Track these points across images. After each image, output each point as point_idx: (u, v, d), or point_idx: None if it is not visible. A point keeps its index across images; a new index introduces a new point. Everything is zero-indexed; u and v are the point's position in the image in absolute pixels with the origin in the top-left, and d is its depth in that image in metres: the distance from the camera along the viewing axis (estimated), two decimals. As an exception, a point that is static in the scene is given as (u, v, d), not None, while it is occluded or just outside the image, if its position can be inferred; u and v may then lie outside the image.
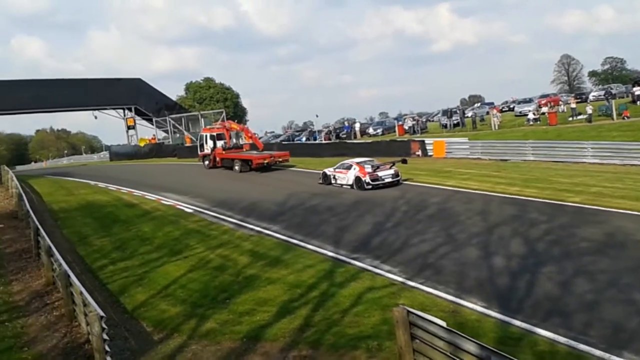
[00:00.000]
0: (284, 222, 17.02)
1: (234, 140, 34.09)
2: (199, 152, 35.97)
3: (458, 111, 46.35)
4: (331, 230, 15.59)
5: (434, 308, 9.15)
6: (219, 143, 33.57)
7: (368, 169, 22.28)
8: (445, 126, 43.38)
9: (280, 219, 17.50)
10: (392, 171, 22.22)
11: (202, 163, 35.36)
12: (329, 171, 24.07)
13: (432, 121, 56.17)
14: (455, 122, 42.72)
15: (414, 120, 47.01)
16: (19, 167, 58.04)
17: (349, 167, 23.05)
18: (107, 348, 8.43)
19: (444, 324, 6.25)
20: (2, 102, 49.39)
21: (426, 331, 6.42)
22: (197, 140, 38.57)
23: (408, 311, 6.66)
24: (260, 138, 53.95)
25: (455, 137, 33.46)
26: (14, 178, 26.49)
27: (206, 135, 35.12)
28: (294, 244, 14.42)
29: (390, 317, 7.58)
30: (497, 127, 38.10)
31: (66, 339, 10.03)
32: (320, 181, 24.28)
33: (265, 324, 9.51)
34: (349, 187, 22.54)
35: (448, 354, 6.06)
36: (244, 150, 33.43)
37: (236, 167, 31.08)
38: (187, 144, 49.16)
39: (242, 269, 12.82)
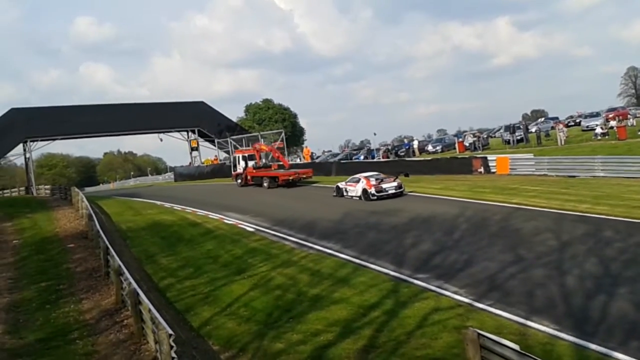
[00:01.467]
0: (343, 241, 16.96)
1: (263, 160, 37.43)
2: (232, 172, 39.92)
3: (521, 126, 44.95)
4: (392, 249, 15.39)
5: (503, 330, 8.82)
6: (250, 163, 37.18)
7: (373, 181, 24.83)
8: (508, 142, 42.20)
9: (339, 237, 17.45)
10: (395, 183, 24.80)
11: (235, 182, 38.72)
12: (341, 185, 26.68)
13: (494, 137, 54.89)
14: (518, 137, 41.43)
15: (474, 136, 46.07)
16: (87, 189, 60.80)
17: (357, 181, 25.64)
18: (175, 366, 8.59)
19: (516, 347, 6.02)
20: (72, 126, 52.03)
21: (498, 355, 6.20)
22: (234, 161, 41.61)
23: (479, 334, 6.45)
24: (317, 157, 54.57)
25: (520, 154, 32.47)
26: (84, 199, 27.63)
27: (239, 157, 39.21)
28: (356, 264, 14.29)
29: (459, 340, 7.35)
30: (563, 143, 36.73)
31: (135, 357, 10.27)
32: (334, 194, 26.74)
33: (330, 344, 9.44)
34: (357, 198, 25.05)
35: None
36: (272, 168, 36.30)
37: (265, 184, 33.94)
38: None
39: (305, 288, 12.82)
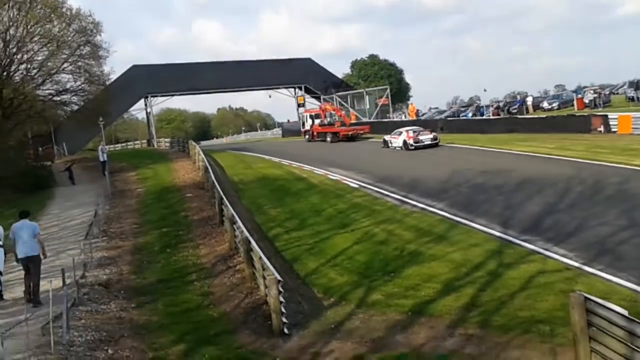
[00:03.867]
0: (447, 199, 16.73)
1: (328, 119, 41.40)
2: (301, 129, 46.44)
3: (648, 82, 40.99)
4: (498, 209, 14.98)
5: (613, 296, 8.44)
6: (317, 121, 41.64)
7: (412, 134, 28.85)
8: (632, 99, 38.67)
9: (444, 196, 17.22)
10: (431, 135, 28.76)
11: (303, 137, 44.48)
12: (387, 137, 31.13)
13: (617, 94, 50.46)
14: (644, 94, 37.92)
15: (595, 93, 42.65)
16: (202, 142, 64.03)
17: (400, 134, 29.79)
18: (283, 310, 9.22)
19: (625, 312, 5.83)
20: (188, 83, 54.66)
21: (604, 319, 6.06)
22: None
23: (585, 297, 6.30)
24: (423, 115, 53.55)
25: (645, 111, 29.74)
26: (200, 152, 29.33)
27: (307, 115, 44.67)
28: (459, 222, 14.14)
29: (565, 303, 7.20)
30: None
31: (247, 300, 11.09)
32: (382, 145, 31.25)
33: (430, 300, 9.60)
34: (400, 148, 29.22)
35: (628, 343, 5.69)
36: (336, 125, 40.06)
37: (328, 139, 38.55)
38: (353, 121, 50.53)
39: (406, 244, 12.97)
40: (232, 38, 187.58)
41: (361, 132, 38.69)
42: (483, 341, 7.91)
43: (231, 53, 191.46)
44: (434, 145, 28.21)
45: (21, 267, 11.04)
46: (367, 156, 30.05)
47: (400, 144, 29.24)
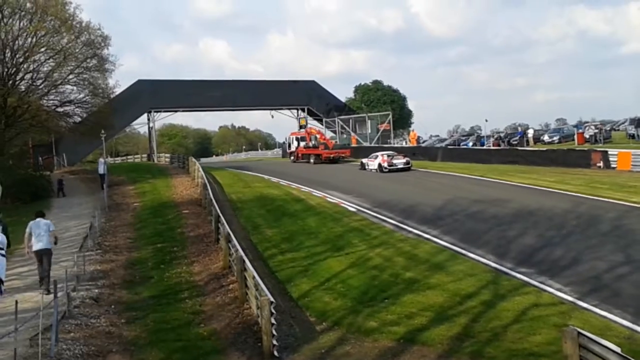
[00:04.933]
0: (442, 227, 16.73)
1: (312, 142, 43.71)
2: (287, 150, 49.86)
3: (648, 120, 41.25)
4: (493, 240, 14.95)
5: (607, 332, 8.40)
6: (302, 143, 44.68)
7: (386, 158, 31.77)
8: (632, 136, 38.95)
9: (439, 223, 17.23)
10: (404, 160, 31.88)
11: (289, 158, 47.31)
12: (364, 160, 34.03)
13: (618, 130, 50.86)
14: (644, 132, 38.15)
15: (596, 128, 42.94)
16: (202, 159, 64.15)
17: (376, 157, 32.68)
18: (274, 332, 9.14)
19: (618, 349, 5.79)
20: (192, 99, 55.04)
21: (598, 355, 6.01)
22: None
23: (579, 332, 6.27)
24: (424, 142, 53.86)
25: (645, 149, 29.86)
26: (200, 169, 29.34)
27: (292, 138, 48.20)
28: (454, 251, 14.11)
29: (558, 337, 7.16)
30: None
31: (237, 320, 11.00)
32: (360, 167, 34.18)
33: (423, 328, 9.54)
34: (375, 170, 31.88)
35: (621, 381, 5.62)
36: (320, 148, 42.22)
37: (311, 160, 41.34)
38: (353, 145, 50.80)
39: (401, 270, 12.92)
40: (237, 57, 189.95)
41: (342, 155, 41.62)
42: (474, 373, 7.84)
43: (236, 71, 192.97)
44: (407, 169, 31.25)
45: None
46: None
47: (376, 167, 32.10)
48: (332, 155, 40.78)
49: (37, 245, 12.32)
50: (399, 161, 31.67)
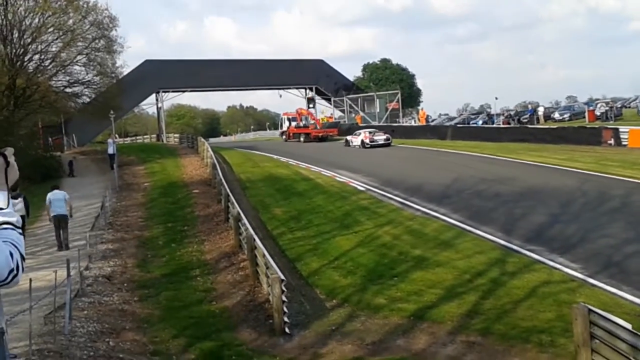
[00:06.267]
0: (450, 205, 16.70)
1: (303, 122, 46.18)
2: (279, 130, 52.85)
3: (660, 96, 40.71)
4: (502, 217, 14.90)
5: (617, 309, 8.40)
6: (293, 123, 46.67)
7: (368, 134, 34.16)
8: (644, 113, 38.53)
9: (447, 202, 17.21)
10: (384, 137, 34.12)
11: (280, 137, 49.61)
12: (348, 137, 36.17)
13: (629, 107, 50.21)
14: (656, 108, 37.62)
15: (607, 105, 42.44)
16: (211, 139, 64.12)
17: (359, 134, 35.10)
18: (285, 309, 9.23)
19: (629, 326, 5.80)
20: (200, 79, 54.78)
21: (608, 332, 6.03)
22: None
23: (589, 309, 6.28)
24: (433, 120, 53.56)
25: (657, 125, 29.51)
26: (209, 149, 29.37)
27: (284, 118, 50.31)
28: (463, 229, 14.08)
29: (567, 314, 7.18)
30: None
31: (249, 297, 11.11)
32: (345, 144, 35.99)
33: (432, 305, 9.59)
34: (358, 146, 34.05)
35: (631, 357, 5.65)
36: (310, 128, 44.88)
37: (301, 139, 43.32)
38: (359, 124, 50.58)
39: (410, 248, 12.95)
40: (243, 36, 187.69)
41: (330, 134, 44.31)
42: (483, 349, 7.90)
43: (242, 51, 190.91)
44: (387, 145, 33.44)
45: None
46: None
47: (359, 143, 34.13)
48: (320, 134, 43.63)
49: (55, 212, 14.19)
50: (380, 137, 33.94)
